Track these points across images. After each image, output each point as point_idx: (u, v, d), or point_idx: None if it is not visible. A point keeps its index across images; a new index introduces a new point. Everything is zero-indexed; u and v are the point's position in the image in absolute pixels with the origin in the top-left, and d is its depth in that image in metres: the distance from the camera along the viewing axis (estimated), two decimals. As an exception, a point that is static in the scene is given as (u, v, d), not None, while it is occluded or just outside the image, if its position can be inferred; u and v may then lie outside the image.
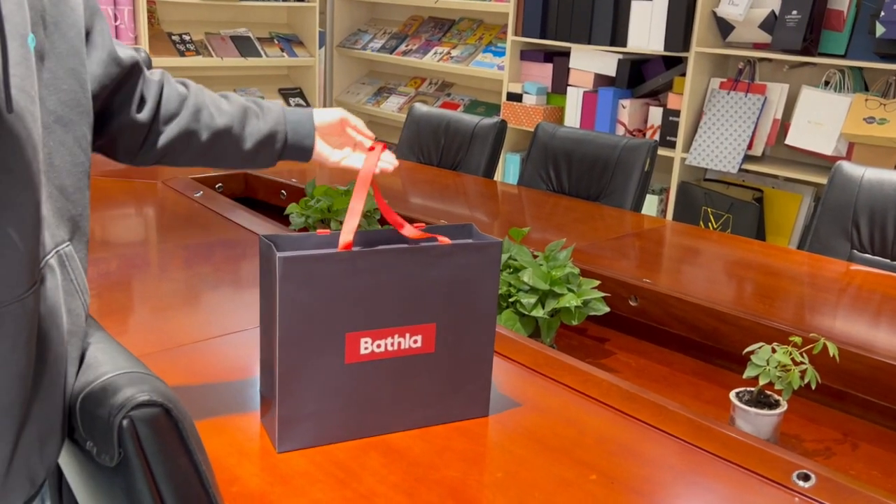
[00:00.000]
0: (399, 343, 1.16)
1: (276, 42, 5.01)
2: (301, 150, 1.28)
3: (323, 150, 1.30)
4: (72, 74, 0.96)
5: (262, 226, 2.14)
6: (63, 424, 0.92)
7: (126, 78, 1.13)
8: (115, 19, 4.21)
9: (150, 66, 1.22)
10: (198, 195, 2.43)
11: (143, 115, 1.15)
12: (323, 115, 1.30)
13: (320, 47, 5.29)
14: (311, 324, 1.10)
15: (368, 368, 1.15)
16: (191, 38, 4.66)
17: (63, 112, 0.95)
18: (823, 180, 3.21)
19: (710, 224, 3.54)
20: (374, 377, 1.16)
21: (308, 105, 5.09)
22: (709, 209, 3.54)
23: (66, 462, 1.01)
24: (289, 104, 5.03)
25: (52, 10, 0.94)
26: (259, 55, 4.82)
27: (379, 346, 1.15)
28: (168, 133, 1.17)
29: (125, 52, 1.12)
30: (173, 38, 4.60)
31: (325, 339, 1.11)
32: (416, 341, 1.17)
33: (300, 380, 1.11)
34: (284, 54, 4.95)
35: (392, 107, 5.03)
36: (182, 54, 4.54)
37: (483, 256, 1.19)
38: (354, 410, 1.16)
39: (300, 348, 1.10)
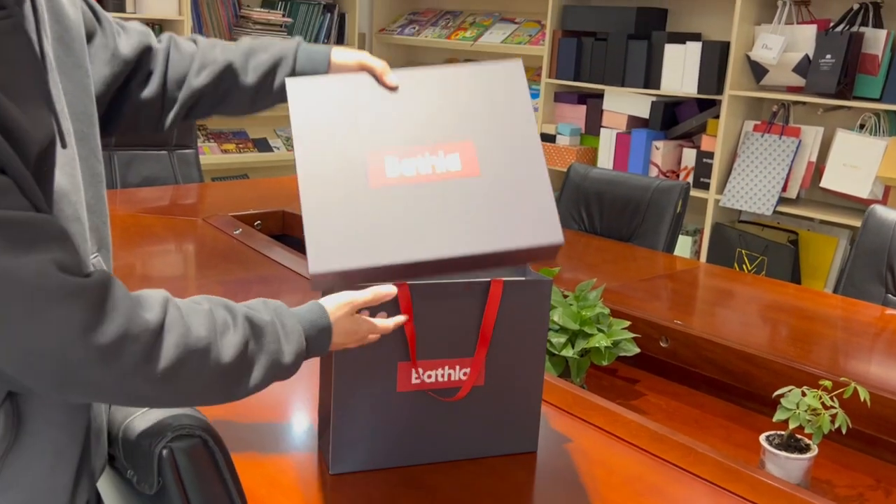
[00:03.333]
0: (449, 375, 1.20)
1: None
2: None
3: None
4: (80, 87, 0.97)
5: (299, 263, 2.18)
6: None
7: (135, 69, 1.12)
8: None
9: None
10: (237, 232, 2.48)
11: (150, 90, 1.13)
12: (342, 55, 1.17)
13: (358, 88, 5.38)
14: (366, 351, 1.14)
15: (418, 398, 1.19)
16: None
17: (78, 127, 0.96)
18: (860, 223, 3.18)
19: (744, 266, 3.53)
20: (423, 406, 1.20)
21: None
22: (743, 251, 3.53)
23: (106, 489, 1.05)
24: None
25: (55, 26, 0.94)
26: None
27: (430, 376, 1.19)
28: (182, 95, 1.15)
29: (130, 43, 1.11)
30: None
31: (378, 367, 1.16)
32: (465, 374, 1.20)
33: (354, 405, 1.16)
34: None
35: (427, 146, 5.09)
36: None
37: (534, 293, 1.22)
38: (405, 437, 1.20)
39: (355, 375, 1.15)
